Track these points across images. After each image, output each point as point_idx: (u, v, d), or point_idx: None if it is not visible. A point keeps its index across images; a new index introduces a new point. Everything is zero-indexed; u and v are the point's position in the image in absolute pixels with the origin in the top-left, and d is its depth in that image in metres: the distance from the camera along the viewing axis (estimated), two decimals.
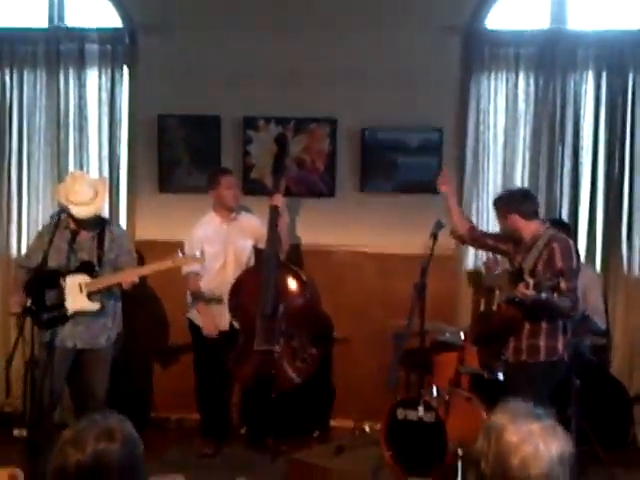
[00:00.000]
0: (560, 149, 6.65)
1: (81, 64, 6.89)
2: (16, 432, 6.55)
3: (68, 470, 2.05)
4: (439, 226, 5.10)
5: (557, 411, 5.68)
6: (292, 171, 6.84)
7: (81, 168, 6.91)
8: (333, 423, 6.85)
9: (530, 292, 4.70)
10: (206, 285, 6.18)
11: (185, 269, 6.07)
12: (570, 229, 6.17)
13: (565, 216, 6.67)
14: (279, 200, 6.14)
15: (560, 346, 5.16)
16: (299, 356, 6.12)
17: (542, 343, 5.12)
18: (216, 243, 6.21)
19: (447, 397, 5.77)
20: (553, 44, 6.58)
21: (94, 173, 6.90)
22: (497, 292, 5.07)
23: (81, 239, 5.42)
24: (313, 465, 6.01)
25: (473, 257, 6.80)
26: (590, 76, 6.63)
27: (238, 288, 6.12)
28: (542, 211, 6.61)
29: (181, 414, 6.90)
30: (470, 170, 6.76)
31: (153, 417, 6.93)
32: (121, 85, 6.91)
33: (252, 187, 6.90)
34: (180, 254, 5.53)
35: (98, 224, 5.49)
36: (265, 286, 6.03)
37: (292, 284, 6.16)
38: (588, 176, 6.66)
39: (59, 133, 6.94)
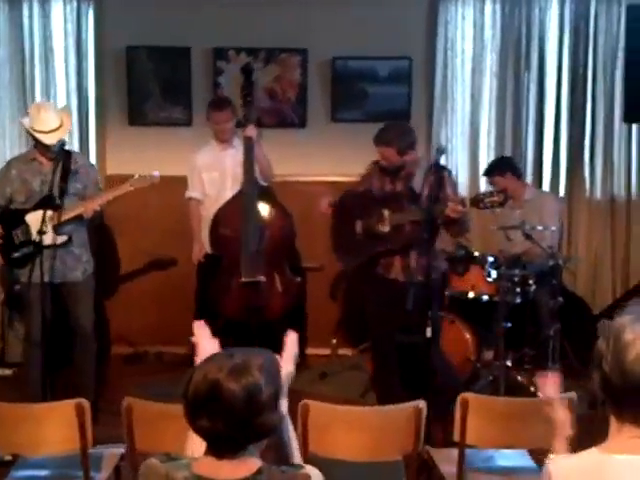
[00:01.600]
0: (526, 75, 6.84)
1: None
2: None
3: (204, 409, 2.10)
4: (440, 152, 5.15)
5: (539, 330, 6.06)
6: (263, 102, 6.88)
7: (48, 100, 6.78)
8: (309, 351, 6.99)
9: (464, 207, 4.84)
10: (205, 212, 6.23)
11: (187, 193, 6.24)
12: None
13: (530, 141, 6.91)
14: (252, 131, 6.09)
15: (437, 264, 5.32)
16: (284, 285, 6.21)
17: (425, 261, 5.03)
18: (214, 170, 6.25)
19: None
20: None
21: (62, 105, 6.80)
22: (386, 213, 5.08)
23: (46, 170, 5.36)
24: (300, 392, 6.15)
25: None
26: (554, 3, 6.80)
27: (219, 220, 6.13)
28: (509, 136, 6.88)
29: (159, 347, 6.97)
30: (439, 97, 6.90)
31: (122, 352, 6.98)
32: (87, 16, 6.78)
33: None
34: (137, 176, 5.46)
35: (63, 155, 5.37)
36: (246, 220, 6.05)
37: (273, 214, 6.16)
38: (553, 101, 6.88)
39: (24, 66, 6.80)
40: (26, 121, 5.32)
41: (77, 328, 5.45)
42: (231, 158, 6.25)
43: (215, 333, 6.18)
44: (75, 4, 6.76)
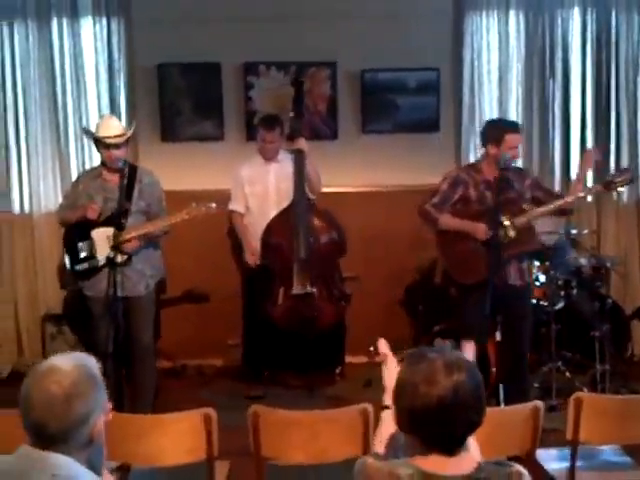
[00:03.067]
0: (551, 83, 6.99)
1: (74, 13, 6.75)
2: None
3: (430, 407, 2.17)
4: (505, 159, 5.26)
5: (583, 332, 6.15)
6: None
7: (80, 119, 6.86)
8: (349, 360, 7.05)
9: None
10: (249, 226, 6.36)
11: (230, 205, 6.32)
12: None
13: (557, 146, 7.05)
14: (303, 143, 6.21)
15: None
16: (335, 296, 6.30)
17: (528, 264, 5.50)
18: (258, 183, 6.33)
19: None
20: None
21: (94, 124, 6.81)
22: (506, 221, 5.22)
23: (112, 187, 5.42)
24: (348, 400, 6.21)
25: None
26: (576, 12, 6.97)
27: (269, 232, 6.21)
28: (536, 143, 7.03)
29: (197, 361, 6.99)
30: (467, 106, 7.03)
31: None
32: (118, 34, 6.81)
33: (255, 133, 6.92)
34: (194, 205, 5.53)
35: (129, 172, 5.45)
36: (296, 231, 6.13)
37: (323, 226, 6.28)
38: (578, 108, 7.04)
39: (55, 85, 6.82)
40: (94, 130, 5.40)
41: (137, 342, 5.48)
42: (275, 173, 6.33)
43: (267, 343, 6.30)
44: (105, 22, 6.79)
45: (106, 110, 6.86)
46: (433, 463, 2.21)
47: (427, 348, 2.31)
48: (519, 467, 2.29)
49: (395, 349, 6.73)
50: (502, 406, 5.78)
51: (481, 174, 5.31)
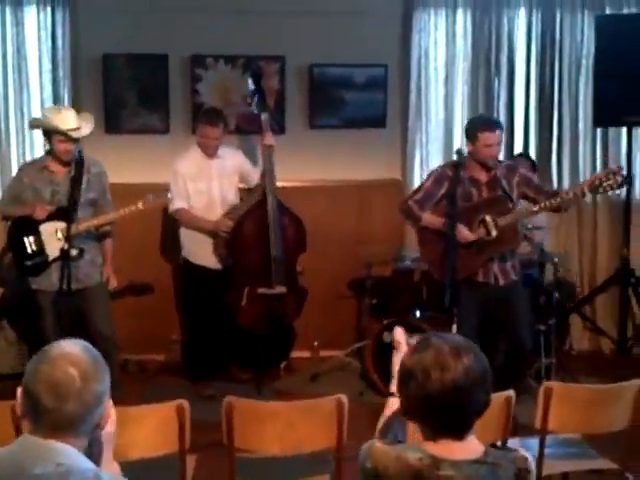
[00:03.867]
0: (496, 82, 7.07)
1: (17, 1, 6.59)
2: None
3: (446, 392, 2.17)
4: (460, 154, 5.29)
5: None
6: (242, 108, 6.90)
7: (22, 109, 6.71)
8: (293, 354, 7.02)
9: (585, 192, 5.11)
10: None
11: (171, 207, 6.05)
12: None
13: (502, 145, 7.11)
14: (271, 139, 6.15)
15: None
16: (297, 293, 6.30)
17: (515, 262, 5.48)
18: (200, 180, 6.13)
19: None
20: None
21: (37, 114, 6.67)
22: (489, 219, 5.28)
23: (59, 180, 5.33)
24: (296, 394, 6.20)
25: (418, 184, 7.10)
26: (522, 13, 7.07)
27: (239, 230, 6.12)
28: None
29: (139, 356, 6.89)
30: (414, 103, 7.06)
31: None
32: (62, 23, 6.66)
33: None
34: (150, 196, 5.46)
35: (77, 163, 5.33)
36: (273, 229, 6.09)
37: (289, 222, 6.27)
38: (522, 106, 7.14)
39: None
40: (47, 123, 5.24)
41: (98, 335, 5.35)
42: (216, 168, 6.21)
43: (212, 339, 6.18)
44: (49, 10, 6.64)
45: (49, 101, 6.72)
46: (442, 447, 2.21)
47: (430, 334, 2.31)
48: (523, 452, 2.30)
49: (339, 342, 6.85)
50: None
51: (466, 171, 5.31)
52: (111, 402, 2.28)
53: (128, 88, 6.81)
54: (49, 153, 5.35)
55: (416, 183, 7.10)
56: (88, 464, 2.19)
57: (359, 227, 7.15)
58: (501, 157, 5.76)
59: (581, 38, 7.09)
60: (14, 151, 6.75)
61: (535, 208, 5.25)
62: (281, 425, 3.41)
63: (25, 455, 2.13)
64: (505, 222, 5.25)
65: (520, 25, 7.08)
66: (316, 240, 6.64)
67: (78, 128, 5.25)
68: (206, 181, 6.16)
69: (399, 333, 2.88)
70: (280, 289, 6.18)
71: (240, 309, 6.18)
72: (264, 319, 6.19)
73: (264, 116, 6.16)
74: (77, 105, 6.69)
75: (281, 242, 6.15)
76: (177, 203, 6.07)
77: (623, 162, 7.11)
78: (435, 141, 7.12)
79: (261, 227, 6.10)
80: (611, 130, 7.16)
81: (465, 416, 2.21)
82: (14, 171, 6.63)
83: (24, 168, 5.69)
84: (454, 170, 5.32)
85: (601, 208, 7.23)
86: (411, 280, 6.51)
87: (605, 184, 4.95)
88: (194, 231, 6.17)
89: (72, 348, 2.21)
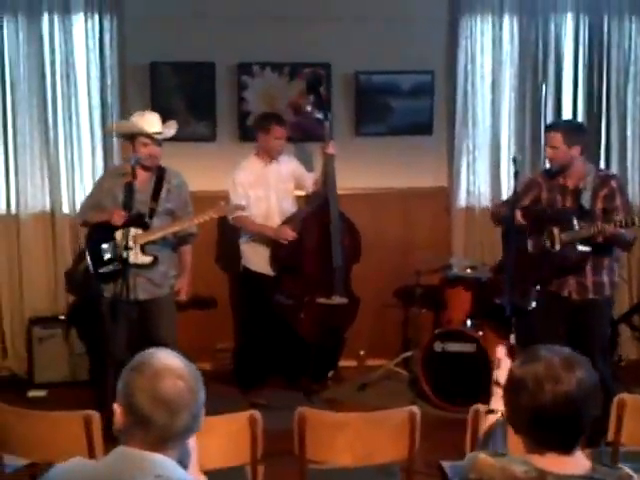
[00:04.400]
0: (543, 87, 7.02)
1: (65, 9, 6.61)
2: (31, 394, 6.40)
3: (558, 405, 2.15)
4: (516, 162, 5.25)
5: None
6: (288, 116, 6.87)
7: (70, 117, 6.72)
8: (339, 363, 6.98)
9: (624, 230, 4.93)
10: None
11: (231, 215, 6.06)
12: None
13: None
14: (333, 148, 6.18)
15: (617, 279, 5.41)
16: (352, 302, 6.29)
17: (606, 279, 5.25)
18: (259, 187, 6.19)
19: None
20: None
21: (85, 122, 6.76)
22: (556, 231, 5.22)
23: (138, 187, 5.35)
24: (346, 404, 6.18)
25: (465, 192, 7.09)
26: (569, 18, 7.02)
27: (301, 236, 6.15)
28: (529, 147, 7.06)
29: None
30: (461, 110, 7.02)
31: None
32: (110, 31, 6.66)
33: (248, 134, 6.88)
34: (222, 203, 5.54)
35: (158, 173, 5.43)
36: (335, 239, 6.12)
37: (349, 234, 6.30)
38: (569, 113, 7.07)
39: (44, 82, 6.66)
40: (132, 126, 5.30)
41: (160, 345, 5.34)
42: (274, 174, 6.26)
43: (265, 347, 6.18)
44: (97, 19, 6.65)
45: (97, 109, 6.74)
46: (549, 461, 2.18)
47: (538, 347, 2.27)
48: (628, 470, 2.26)
49: (385, 351, 6.81)
50: None
51: (559, 179, 5.27)
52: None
53: (175, 96, 6.81)
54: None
55: (462, 190, 7.09)
56: (186, 475, 2.17)
57: (405, 235, 7.12)
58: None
59: (629, 44, 7.03)
60: (62, 159, 6.75)
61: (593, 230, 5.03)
62: (352, 436, 3.38)
63: (123, 467, 2.12)
64: (567, 238, 5.15)
65: (567, 30, 7.03)
66: (363, 249, 6.62)
67: (161, 132, 5.27)
68: (264, 188, 6.21)
69: (500, 350, 2.86)
70: (340, 300, 6.19)
71: (299, 319, 6.18)
72: (322, 329, 6.19)
73: (327, 124, 6.20)
74: (125, 113, 6.71)
75: (341, 252, 6.14)
76: (236, 212, 6.08)
77: None
78: (482, 148, 7.07)
79: (323, 236, 6.10)
80: None
81: (575, 430, 2.18)
82: (62, 178, 6.72)
83: (105, 174, 5.84)
84: (545, 176, 5.38)
85: None
86: (461, 289, 6.45)
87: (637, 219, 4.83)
88: (253, 240, 6.18)
89: (173, 361, 2.19)
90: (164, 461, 2.13)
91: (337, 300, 6.13)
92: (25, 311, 6.78)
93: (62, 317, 6.69)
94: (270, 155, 6.22)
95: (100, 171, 6.74)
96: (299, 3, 6.87)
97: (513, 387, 2.23)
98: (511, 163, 5.27)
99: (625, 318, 7.04)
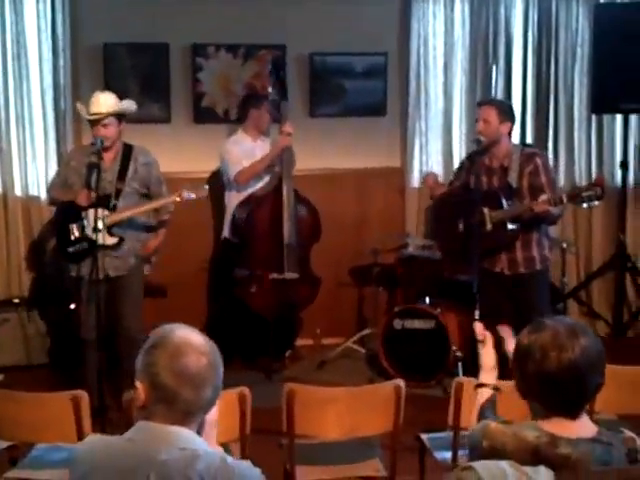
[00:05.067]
0: (494, 70, 7.14)
1: None
2: None
3: (563, 371, 2.22)
4: (478, 143, 5.35)
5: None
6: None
7: (22, 99, 6.62)
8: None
9: (553, 208, 5.06)
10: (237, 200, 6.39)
11: (231, 175, 6.29)
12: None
13: None
14: (291, 127, 6.25)
15: (547, 253, 5.54)
16: (309, 280, 6.34)
17: (535, 254, 5.41)
18: (248, 161, 6.31)
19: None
20: None
21: (37, 104, 6.67)
22: (486, 210, 5.30)
23: (106, 167, 5.31)
24: (307, 381, 6.21)
25: (418, 172, 7.18)
26: (519, 1, 7.15)
27: (253, 213, 6.27)
28: None
29: None
30: (413, 92, 7.12)
31: None
32: (62, 11, 6.56)
33: (203, 115, 6.91)
34: (186, 187, 5.49)
35: (124, 151, 5.38)
36: (288, 216, 6.19)
37: (306, 213, 6.37)
38: (519, 94, 7.22)
39: None
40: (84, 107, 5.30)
41: (124, 330, 5.35)
42: (260, 150, 6.38)
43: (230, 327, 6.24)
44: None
45: (49, 90, 6.66)
46: (557, 426, 2.27)
47: (544, 318, 2.36)
48: (630, 433, 2.36)
49: (340, 330, 6.88)
50: None
51: (485, 159, 5.42)
52: None
53: (129, 77, 6.75)
54: None
55: (415, 171, 7.20)
56: (207, 447, 2.20)
57: (359, 215, 7.20)
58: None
59: (576, 27, 7.19)
60: (14, 141, 6.65)
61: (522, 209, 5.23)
62: (340, 410, 3.44)
63: (148, 441, 2.14)
64: (497, 217, 5.27)
65: (517, 13, 7.16)
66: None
67: (99, 113, 5.22)
68: (250, 162, 6.31)
69: (480, 327, 2.94)
70: (291, 275, 6.23)
71: (250, 293, 6.26)
72: (275, 304, 6.24)
73: (284, 104, 6.26)
74: (77, 95, 6.65)
75: (295, 230, 6.18)
76: (236, 168, 6.27)
77: (618, 148, 7.27)
78: (434, 129, 7.18)
79: (275, 213, 6.16)
80: (605, 117, 7.26)
81: (581, 395, 2.27)
82: (14, 161, 6.63)
83: (72, 152, 5.79)
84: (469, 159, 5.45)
85: None
86: (416, 267, 6.56)
87: (584, 194, 4.92)
88: None
89: (193, 336, 2.21)
90: (188, 434, 2.16)
91: (288, 275, 6.17)
92: None
93: (17, 301, 6.59)
94: (260, 130, 6.42)
95: (53, 153, 6.69)
96: None
97: (520, 355, 2.31)
98: (473, 145, 5.33)
99: (573, 293, 7.23)
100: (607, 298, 7.38)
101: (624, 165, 7.05)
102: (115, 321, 5.37)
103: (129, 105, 5.49)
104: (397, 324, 6.16)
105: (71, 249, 5.34)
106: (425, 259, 6.55)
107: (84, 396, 3.38)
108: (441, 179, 7.09)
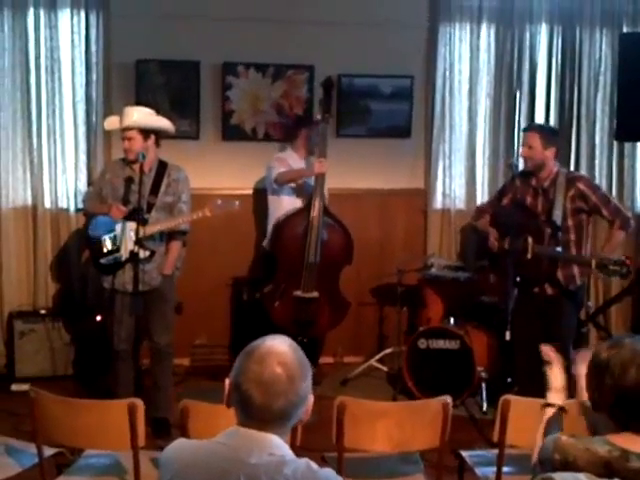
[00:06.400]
0: (518, 95, 7.25)
1: (51, 4, 6.60)
2: (15, 387, 6.38)
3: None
4: (513, 167, 5.45)
5: None
6: (271, 116, 7.01)
7: (54, 112, 6.73)
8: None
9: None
10: (282, 209, 6.50)
11: (273, 176, 6.39)
12: None
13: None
14: (323, 166, 6.36)
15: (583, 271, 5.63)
16: (336, 303, 6.39)
17: (575, 272, 5.51)
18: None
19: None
20: None
21: (68, 117, 6.77)
22: (530, 240, 5.33)
23: (137, 180, 5.38)
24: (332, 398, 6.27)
25: (441, 194, 7.28)
26: (544, 28, 7.27)
27: (283, 228, 6.37)
28: (502, 152, 7.28)
29: None
30: (438, 114, 7.22)
31: None
32: (96, 27, 6.68)
33: (231, 133, 7.00)
34: (218, 202, 5.56)
35: (158, 167, 5.47)
36: (314, 234, 6.25)
37: (337, 234, 6.43)
38: (542, 120, 7.30)
39: (29, 77, 6.65)
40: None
41: (155, 343, 5.43)
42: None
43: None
44: (83, 15, 6.67)
45: (81, 104, 6.76)
46: (629, 441, 2.34)
47: (622, 334, 2.44)
48: None
49: (361, 349, 6.95)
50: (484, 407, 6.06)
51: (531, 180, 5.54)
52: (312, 397, 2.35)
53: (160, 93, 6.85)
54: None
55: (439, 193, 7.28)
56: (294, 456, 2.27)
57: (381, 235, 7.29)
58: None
59: (599, 55, 7.30)
60: (45, 154, 6.74)
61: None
62: (390, 425, 3.50)
63: (240, 445, 2.21)
64: (540, 251, 5.38)
65: (542, 40, 7.27)
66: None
67: (126, 128, 5.33)
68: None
69: (547, 349, 3.02)
70: (311, 294, 6.29)
71: (274, 308, 6.35)
72: (295, 321, 6.30)
73: (322, 125, 6.35)
74: (109, 109, 6.74)
75: (319, 248, 6.24)
76: (279, 169, 6.40)
77: (638, 175, 7.37)
78: (458, 152, 7.28)
79: (304, 230, 6.24)
80: (627, 145, 7.36)
81: None
82: (45, 173, 6.71)
83: (108, 164, 5.86)
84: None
85: None
86: (441, 288, 6.63)
87: (611, 268, 5.02)
88: None
89: (280, 346, 2.27)
90: (278, 441, 2.23)
91: (308, 294, 6.23)
92: (5, 306, 6.75)
93: (43, 312, 6.66)
94: (308, 150, 6.53)
95: (83, 167, 6.78)
96: (285, 6, 6.96)
97: (598, 369, 2.39)
98: (509, 168, 5.45)
99: (592, 318, 7.30)
100: (625, 323, 7.45)
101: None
102: (145, 334, 5.42)
103: (159, 122, 5.54)
104: (422, 344, 6.23)
105: (103, 260, 5.41)
106: (450, 280, 6.62)
107: (140, 404, 3.43)
108: (463, 201, 7.24)
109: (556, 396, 2.90)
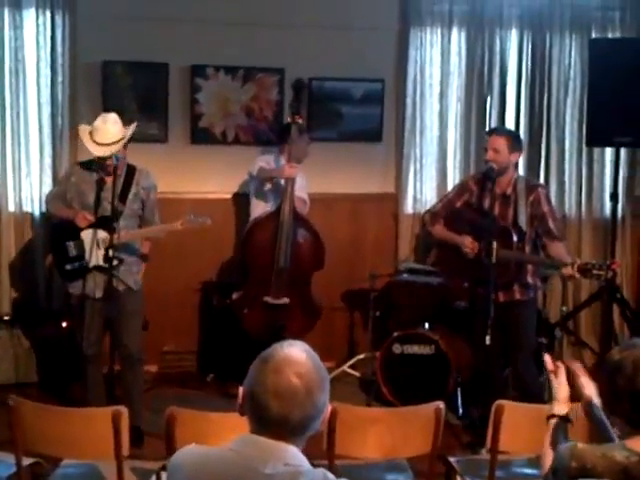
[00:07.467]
0: (488, 99, 7.23)
1: (16, 4, 6.45)
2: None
3: None
4: (492, 170, 5.39)
5: None
6: (241, 120, 6.92)
7: (18, 114, 6.56)
8: None
9: (575, 274, 5.13)
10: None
11: (252, 171, 6.31)
12: None
13: None
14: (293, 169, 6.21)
15: (539, 282, 5.74)
16: (307, 308, 6.29)
17: (530, 281, 5.55)
18: (276, 183, 6.31)
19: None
20: (482, 2, 7.12)
21: (33, 119, 6.60)
22: (495, 245, 5.18)
23: (105, 186, 5.26)
24: None
25: (412, 198, 7.23)
26: (514, 33, 7.26)
27: (256, 229, 6.25)
28: (473, 156, 7.26)
29: None
30: (409, 118, 7.17)
31: None
32: (62, 28, 6.52)
33: (200, 136, 6.90)
34: (191, 216, 5.44)
35: (127, 173, 5.34)
36: (284, 239, 6.11)
37: (307, 238, 6.29)
38: (512, 125, 7.27)
39: None
40: (87, 129, 5.18)
41: (124, 348, 5.30)
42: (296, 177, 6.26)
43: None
44: (49, 15, 6.51)
45: (46, 106, 6.60)
46: None
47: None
48: None
49: (331, 354, 6.87)
50: (460, 412, 6.01)
51: (489, 185, 5.44)
52: (330, 407, 2.26)
53: (127, 96, 6.72)
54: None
55: (410, 197, 7.23)
56: (310, 468, 2.18)
57: (352, 240, 7.21)
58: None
59: (569, 61, 7.31)
60: (9, 156, 6.58)
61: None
62: (382, 431, 3.42)
63: (254, 454, 2.12)
64: (505, 256, 5.32)
65: (512, 45, 7.26)
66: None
67: (112, 143, 5.18)
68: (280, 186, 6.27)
69: (549, 359, 2.95)
70: (281, 300, 6.18)
71: (244, 315, 6.24)
72: (265, 328, 6.18)
73: (293, 127, 6.20)
74: (75, 111, 6.60)
75: (289, 253, 6.13)
76: (260, 164, 6.30)
77: (607, 180, 7.38)
78: (429, 156, 7.24)
79: (275, 236, 6.12)
80: (596, 150, 7.38)
81: None
82: (9, 176, 6.54)
83: (74, 166, 5.65)
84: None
85: (586, 224, 7.44)
86: (412, 292, 6.58)
87: (595, 272, 5.03)
88: None
89: (297, 355, 2.18)
90: (293, 451, 2.14)
91: (278, 301, 6.13)
92: None
93: (6, 317, 6.49)
94: (296, 159, 6.23)
95: (48, 170, 6.62)
96: (255, 8, 6.85)
97: (611, 370, 2.33)
98: (490, 170, 5.38)
99: (561, 323, 7.28)
100: (594, 328, 7.45)
101: (614, 197, 7.12)
102: (115, 340, 5.30)
103: (131, 128, 5.44)
104: (396, 349, 6.16)
105: (68, 266, 5.29)
106: (421, 284, 6.57)
107: (124, 412, 3.32)
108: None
109: (561, 407, 2.83)
